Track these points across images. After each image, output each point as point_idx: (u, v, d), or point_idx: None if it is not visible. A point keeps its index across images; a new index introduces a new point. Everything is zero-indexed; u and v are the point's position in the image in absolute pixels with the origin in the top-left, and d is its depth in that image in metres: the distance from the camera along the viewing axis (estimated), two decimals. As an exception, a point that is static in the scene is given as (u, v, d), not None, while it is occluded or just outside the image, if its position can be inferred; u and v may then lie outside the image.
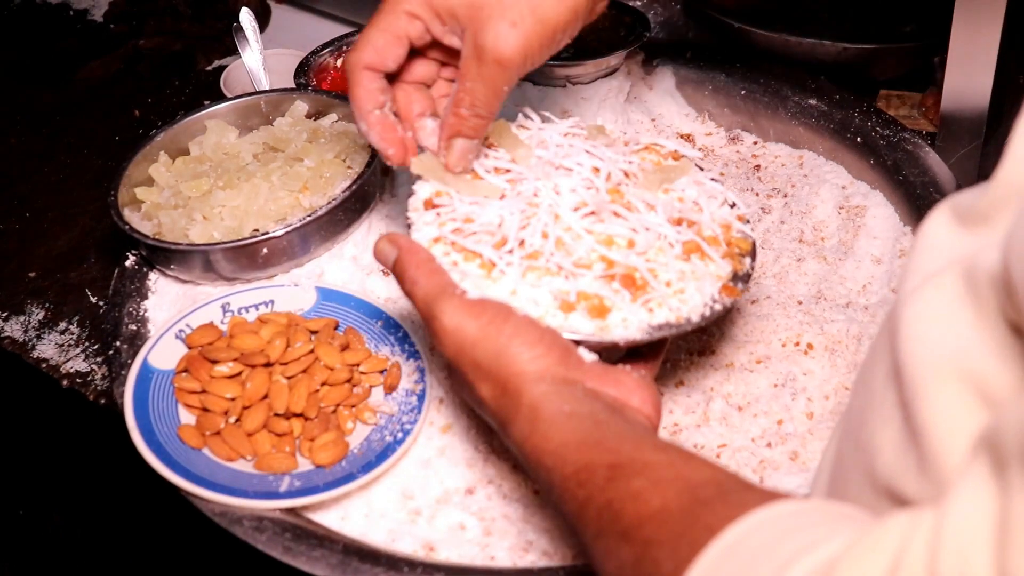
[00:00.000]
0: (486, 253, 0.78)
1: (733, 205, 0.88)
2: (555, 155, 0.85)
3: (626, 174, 0.85)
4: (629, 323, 0.77)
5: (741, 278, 0.84)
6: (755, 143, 1.28)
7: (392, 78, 0.90)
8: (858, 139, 1.19)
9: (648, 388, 0.75)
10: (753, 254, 0.86)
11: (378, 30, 0.85)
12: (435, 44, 0.87)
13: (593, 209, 0.80)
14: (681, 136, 1.30)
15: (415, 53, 0.89)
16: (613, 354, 0.79)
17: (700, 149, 1.28)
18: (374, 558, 0.85)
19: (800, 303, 1.05)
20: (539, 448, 0.68)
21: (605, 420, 0.68)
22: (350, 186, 1.07)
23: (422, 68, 0.91)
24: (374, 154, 1.11)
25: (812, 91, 1.25)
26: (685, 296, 0.79)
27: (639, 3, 1.44)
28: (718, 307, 0.80)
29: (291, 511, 0.89)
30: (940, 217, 0.57)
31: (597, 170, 0.84)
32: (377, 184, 1.15)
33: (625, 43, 1.27)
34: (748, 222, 0.88)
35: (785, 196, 1.19)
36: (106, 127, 1.58)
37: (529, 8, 0.79)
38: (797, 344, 1.01)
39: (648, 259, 0.79)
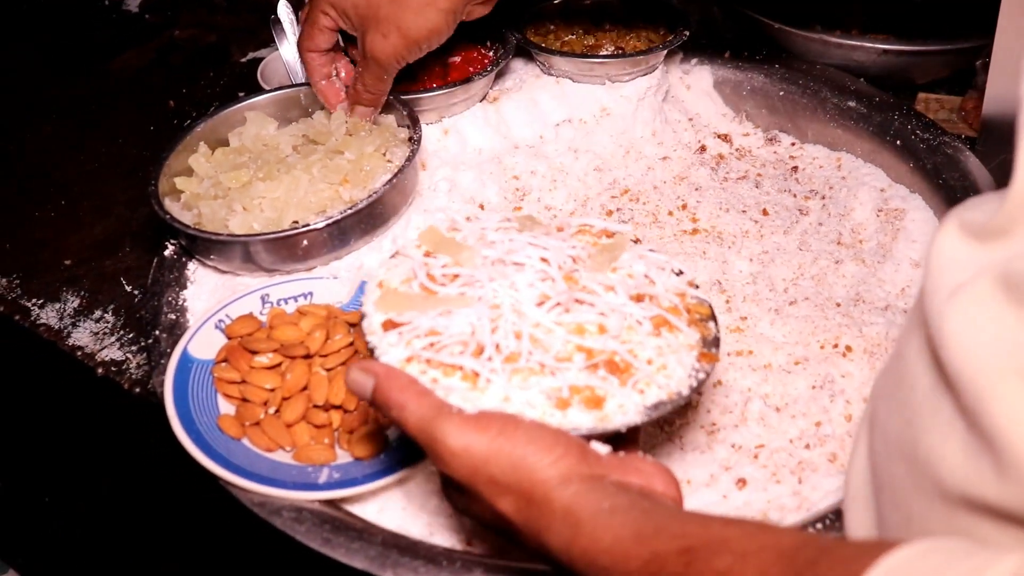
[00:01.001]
0: (467, 364, 0.74)
1: (680, 272, 0.86)
2: (501, 251, 0.82)
3: (573, 259, 0.83)
4: (626, 408, 0.75)
5: (711, 343, 0.82)
6: (793, 144, 1.28)
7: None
8: (897, 142, 1.19)
9: (665, 471, 0.72)
10: (714, 318, 0.85)
11: (310, 23, 1.16)
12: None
13: (557, 301, 0.78)
14: (718, 136, 1.29)
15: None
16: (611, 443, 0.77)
17: (737, 149, 1.28)
18: (413, 551, 0.84)
19: (838, 305, 1.05)
20: (590, 550, 0.64)
21: (651, 508, 0.66)
22: (390, 180, 1.07)
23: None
24: (414, 148, 1.11)
25: (851, 93, 1.25)
26: (668, 371, 0.77)
27: (678, 1, 1.43)
28: (701, 375, 0.79)
29: (329, 503, 0.89)
30: (949, 235, 0.57)
31: (546, 260, 0.81)
32: (416, 178, 1.15)
33: (665, 42, 1.26)
34: (698, 287, 0.87)
35: (823, 198, 1.18)
36: (140, 117, 1.58)
37: (395, 24, 1.09)
38: (835, 346, 1.01)
39: (623, 341, 0.77)
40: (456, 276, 0.80)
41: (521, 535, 0.69)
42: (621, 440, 0.76)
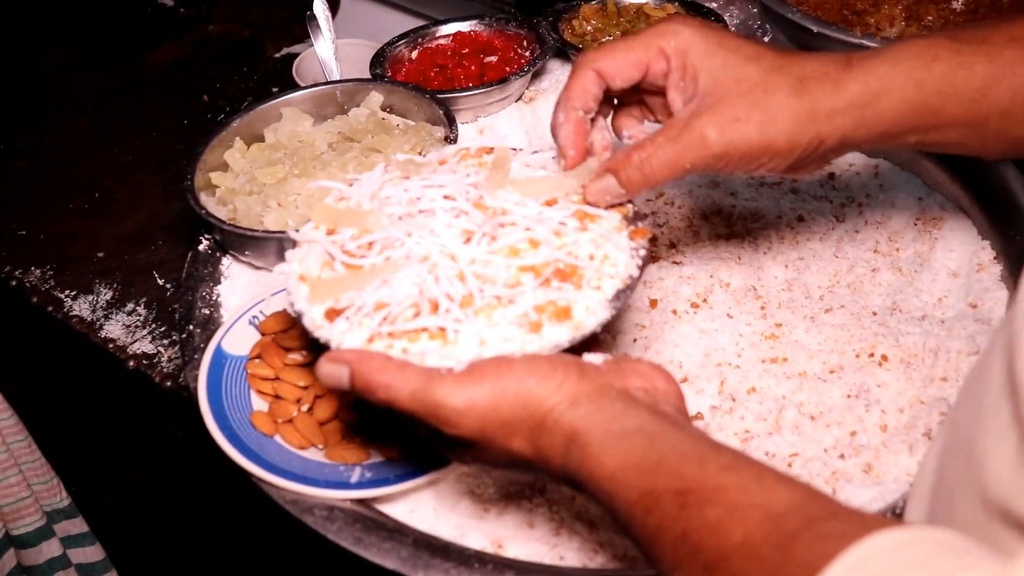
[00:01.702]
0: (431, 323, 0.74)
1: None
2: (403, 204, 0.82)
3: (474, 186, 0.83)
4: (593, 308, 0.76)
5: (633, 219, 0.83)
6: (829, 150, 1.27)
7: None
8: (936, 150, 1.17)
9: (660, 369, 0.74)
10: None
11: (627, 47, 0.84)
12: (652, 92, 0.87)
13: (483, 232, 0.78)
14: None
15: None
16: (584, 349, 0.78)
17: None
18: (444, 552, 0.84)
19: (875, 314, 1.04)
20: (595, 474, 0.67)
21: (657, 432, 0.67)
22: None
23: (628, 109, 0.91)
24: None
25: (890, 100, 1.23)
26: (612, 260, 0.79)
27: (716, 4, 1.43)
28: (643, 252, 0.80)
29: (360, 502, 0.89)
30: None
31: (450, 197, 0.82)
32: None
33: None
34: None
35: (860, 205, 1.17)
36: (174, 111, 1.59)
37: (758, 116, 0.79)
38: (871, 355, 1.00)
39: (559, 247, 0.78)
40: (371, 244, 0.80)
41: (538, 467, 0.71)
42: (589, 345, 0.77)
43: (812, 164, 0.84)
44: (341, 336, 0.75)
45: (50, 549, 1.44)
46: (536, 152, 0.88)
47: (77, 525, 1.46)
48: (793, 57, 0.82)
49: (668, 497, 0.62)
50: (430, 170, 0.87)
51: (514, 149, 0.88)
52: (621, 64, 0.84)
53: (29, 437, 1.41)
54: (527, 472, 0.74)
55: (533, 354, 0.72)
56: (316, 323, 0.77)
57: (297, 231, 0.84)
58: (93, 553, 1.48)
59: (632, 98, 0.90)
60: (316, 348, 0.78)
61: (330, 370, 0.73)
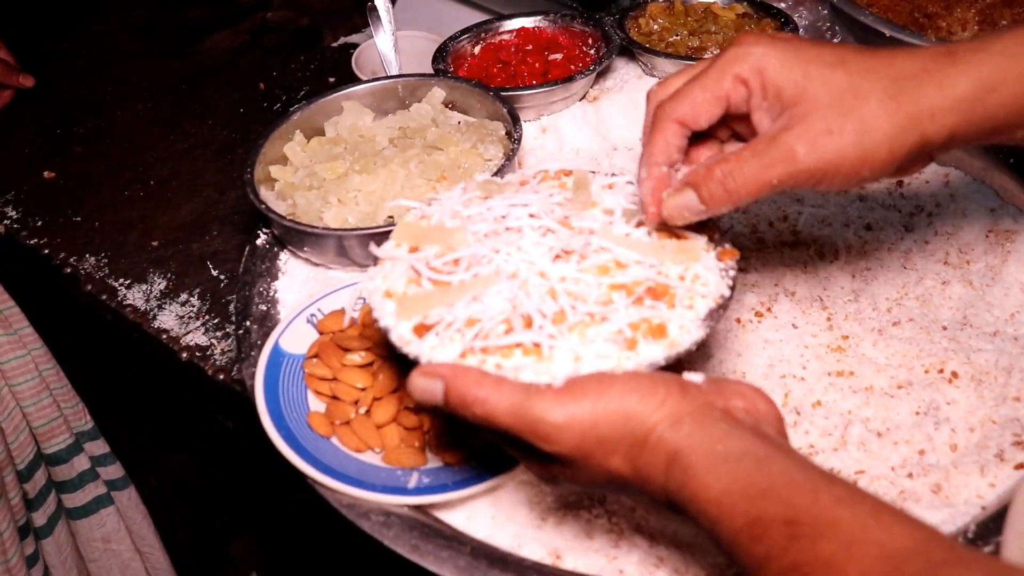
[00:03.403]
0: (526, 339, 0.73)
1: None
2: (489, 222, 0.81)
3: (559, 205, 0.83)
4: (687, 327, 0.75)
5: (719, 240, 0.82)
6: (898, 157, 1.24)
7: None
8: (1010, 160, 1.14)
9: (760, 391, 0.72)
10: None
11: (702, 87, 0.79)
12: (736, 118, 0.82)
13: (570, 249, 0.78)
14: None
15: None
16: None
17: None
18: (503, 563, 0.83)
19: (944, 328, 1.02)
20: (699, 497, 0.65)
21: (764, 457, 0.65)
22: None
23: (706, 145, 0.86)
24: (514, 146, 1.09)
25: (963, 108, 1.20)
26: (702, 279, 0.78)
27: (785, 5, 1.40)
28: (732, 272, 0.79)
29: (417, 508, 0.88)
30: None
31: (535, 216, 0.81)
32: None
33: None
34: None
35: (929, 215, 1.15)
36: (230, 99, 1.59)
37: (854, 127, 0.74)
38: (941, 371, 0.98)
39: (649, 266, 0.78)
40: (458, 261, 0.79)
41: (635, 487, 0.69)
42: (681, 365, 0.76)
43: (918, 164, 0.80)
44: (431, 351, 0.74)
45: (80, 464, 1.50)
46: (615, 175, 0.87)
47: (100, 447, 1.53)
48: (882, 56, 0.77)
49: (777, 527, 0.60)
50: (512, 190, 0.86)
51: (592, 172, 0.88)
52: (701, 107, 0.79)
53: (57, 365, 1.45)
54: (622, 493, 0.73)
55: (633, 371, 0.71)
56: (405, 338, 0.76)
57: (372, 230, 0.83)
58: (115, 471, 1.55)
59: (718, 132, 0.85)
60: (403, 363, 0.78)
61: (423, 384, 0.71)
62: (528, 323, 0.74)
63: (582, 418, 0.68)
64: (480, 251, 0.78)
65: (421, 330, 0.76)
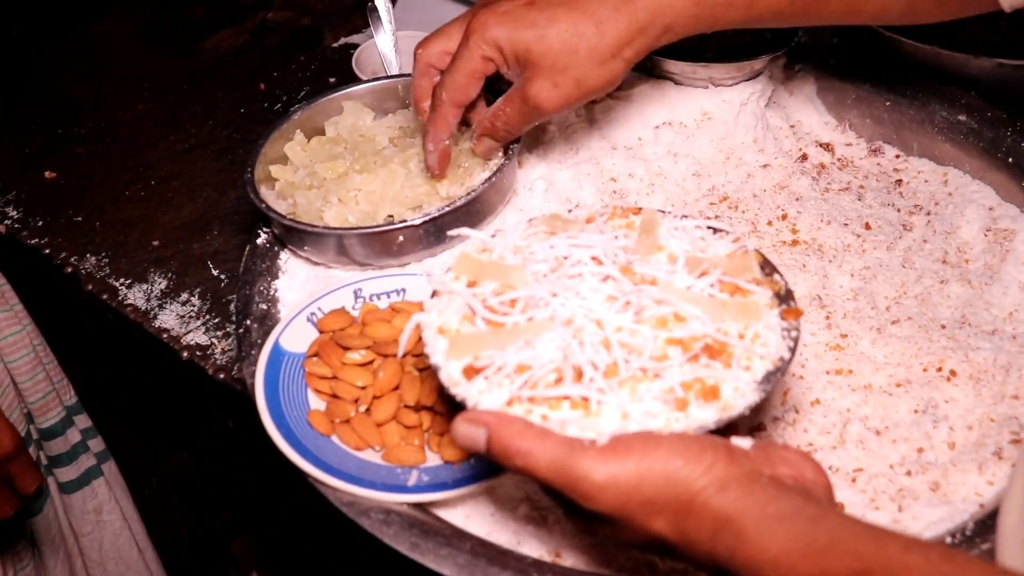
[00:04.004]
0: (574, 392, 0.71)
1: (715, 230, 0.84)
2: (549, 262, 0.80)
3: (624, 250, 0.80)
4: (742, 390, 0.73)
5: (785, 297, 0.79)
6: (897, 156, 1.24)
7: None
8: (1009, 159, 1.15)
9: (810, 458, 0.70)
10: (769, 264, 0.82)
11: (461, 72, 1.02)
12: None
13: (626, 300, 0.75)
14: (820, 145, 1.26)
15: None
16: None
17: (839, 159, 1.25)
18: (502, 561, 0.83)
19: (943, 327, 1.02)
20: (754, 560, 0.62)
21: (816, 515, 0.63)
22: (489, 178, 1.05)
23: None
24: (513, 146, 1.09)
25: (962, 107, 1.21)
26: (763, 339, 0.75)
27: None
28: (795, 334, 0.77)
29: (416, 506, 0.88)
30: None
31: (597, 260, 0.79)
32: (514, 176, 1.13)
33: (770, 47, 1.23)
34: (739, 238, 0.84)
35: (928, 214, 1.15)
36: (231, 98, 1.59)
37: (572, 76, 0.98)
38: (939, 370, 0.98)
39: (710, 321, 0.75)
40: (514, 301, 0.77)
41: (679, 551, 0.68)
42: (729, 428, 0.74)
43: (650, 40, 1.00)
44: (479, 396, 0.73)
45: (73, 437, 1.51)
46: (685, 217, 0.84)
47: (84, 420, 1.54)
48: None
49: None
50: (577, 228, 0.84)
51: (661, 212, 0.86)
52: (465, 88, 1.03)
53: (44, 342, 1.46)
54: (666, 555, 0.71)
55: (680, 433, 0.69)
56: (453, 379, 0.75)
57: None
58: (97, 444, 1.57)
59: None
60: (449, 405, 0.79)
61: (467, 431, 0.71)
62: (579, 375, 0.72)
63: (625, 479, 0.66)
64: (538, 293, 0.76)
65: (470, 372, 0.74)
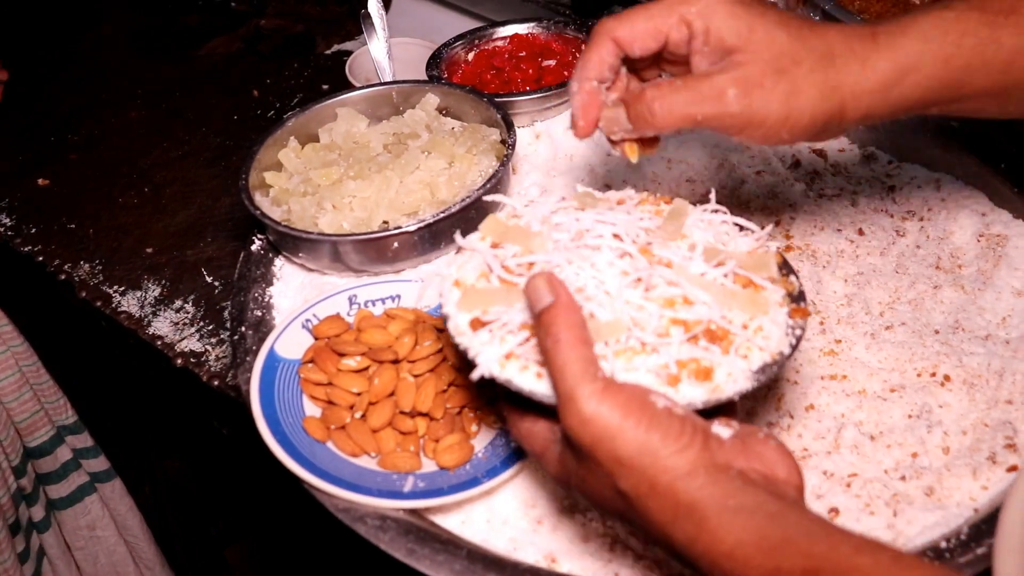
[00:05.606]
0: None
1: (742, 228, 0.84)
2: (571, 233, 0.80)
3: (645, 231, 0.81)
4: (735, 376, 0.73)
5: (797, 297, 0.80)
6: (890, 163, 1.24)
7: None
8: (1002, 165, 1.15)
9: (787, 455, 0.70)
10: (787, 266, 0.83)
11: (646, 16, 0.83)
12: (674, 61, 0.86)
13: (638, 276, 0.76)
14: (813, 151, 1.26)
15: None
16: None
17: (832, 165, 1.25)
18: (498, 566, 0.83)
19: (936, 332, 1.02)
20: (711, 550, 0.64)
21: (777, 512, 0.64)
22: (485, 183, 1.05)
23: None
24: (508, 152, 1.09)
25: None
26: (766, 332, 0.76)
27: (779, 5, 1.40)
28: (798, 332, 0.77)
29: (413, 512, 0.88)
30: None
31: (619, 237, 0.79)
32: (509, 182, 1.13)
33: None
34: (762, 238, 0.84)
35: (921, 220, 1.15)
36: (224, 105, 1.59)
37: (785, 87, 0.79)
38: (933, 375, 0.98)
39: (716, 308, 0.76)
40: (532, 264, 0.78)
41: (641, 519, 0.68)
42: (722, 409, 0.74)
43: (829, 135, 0.84)
44: (480, 347, 0.74)
45: (63, 455, 1.52)
46: (715, 211, 0.85)
47: (83, 440, 1.54)
48: (817, 28, 0.81)
49: None
50: (607, 206, 0.85)
51: (694, 204, 0.86)
52: (640, 32, 0.83)
53: (39, 362, 1.46)
54: (626, 523, 0.71)
55: (671, 409, 0.69)
56: (459, 329, 0.76)
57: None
58: (99, 464, 1.57)
59: (652, 72, 0.90)
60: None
61: (541, 286, 0.71)
62: None
63: (605, 425, 0.66)
64: (555, 259, 0.77)
65: (476, 324, 0.76)
